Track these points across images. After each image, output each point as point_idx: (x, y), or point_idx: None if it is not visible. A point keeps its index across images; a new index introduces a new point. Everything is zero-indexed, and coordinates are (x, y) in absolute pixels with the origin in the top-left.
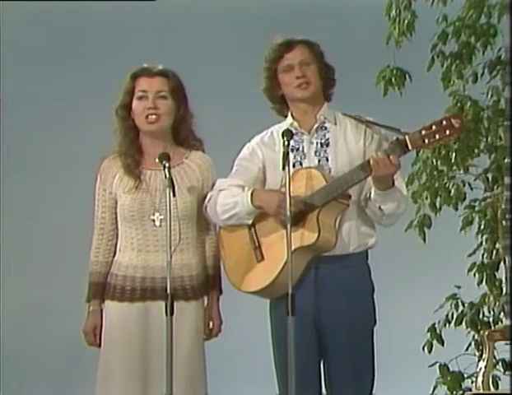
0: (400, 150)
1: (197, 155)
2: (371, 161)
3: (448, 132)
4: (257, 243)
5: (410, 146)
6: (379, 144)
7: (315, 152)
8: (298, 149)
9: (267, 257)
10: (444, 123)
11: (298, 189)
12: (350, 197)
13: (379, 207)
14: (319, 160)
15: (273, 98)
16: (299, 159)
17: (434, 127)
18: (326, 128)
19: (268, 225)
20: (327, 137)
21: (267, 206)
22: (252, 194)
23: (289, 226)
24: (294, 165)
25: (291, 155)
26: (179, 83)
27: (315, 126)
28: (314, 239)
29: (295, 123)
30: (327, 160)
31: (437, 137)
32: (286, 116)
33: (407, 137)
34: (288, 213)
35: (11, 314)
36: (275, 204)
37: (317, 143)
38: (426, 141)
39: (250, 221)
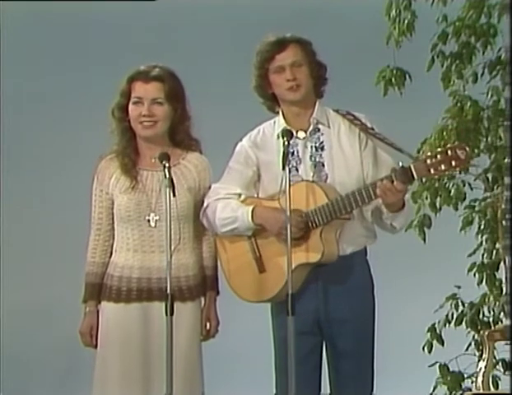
0: (405, 178)
1: (194, 155)
2: (378, 191)
3: (454, 163)
4: (258, 254)
5: (415, 176)
6: (375, 151)
7: (310, 157)
8: (293, 153)
9: (268, 270)
10: (449, 153)
11: (298, 203)
12: (351, 211)
13: (391, 224)
14: (315, 165)
15: (264, 96)
16: (294, 164)
17: (439, 157)
18: (319, 130)
19: (269, 237)
20: (321, 140)
21: (269, 225)
22: (253, 211)
23: (288, 226)
24: (290, 170)
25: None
26: (175, 86)
27: (309, 130)
28: (319, 258)
29: (288, 127)
30: (323, 165)
31: (443, 167)
32: (277, 112)
33: (412, 167)
34: (288, 213)
35: (11, 314)
36: (278, 226)
37: (311, 147)
38: (432, 170)
39: (250, 233)
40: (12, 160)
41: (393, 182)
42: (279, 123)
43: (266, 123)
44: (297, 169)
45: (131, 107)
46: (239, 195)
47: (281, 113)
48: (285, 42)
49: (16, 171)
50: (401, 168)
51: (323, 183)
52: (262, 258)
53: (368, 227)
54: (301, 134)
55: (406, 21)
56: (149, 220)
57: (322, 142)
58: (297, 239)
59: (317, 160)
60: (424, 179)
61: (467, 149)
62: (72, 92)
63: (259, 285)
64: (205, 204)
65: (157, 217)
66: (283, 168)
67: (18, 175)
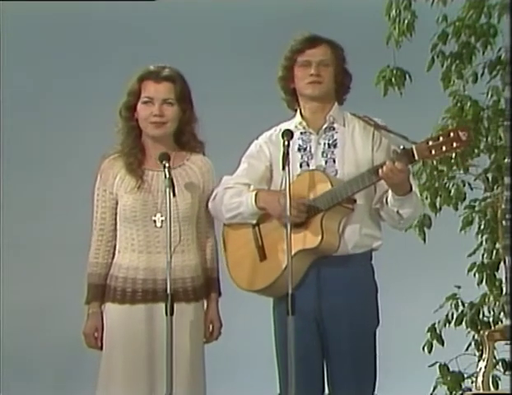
0: (407, 159)
1: (198, 157)
2: (380, 172)
3: (455, 144)
4: (260, 242)
5: (417, 157)
6: (388, 151)
7: (322, 153)
8: (305, 149)
9: (269, 257)
10: (452, 135)
11: (303, 191)
12: (355, 201)
13: (397, 212)
14: (326, 162)
15: (286, 89)
16: (306, 159)
17: (441, 139)
18: (334, 129)
19: (272, 225)
20: (335, 137)
21: (271, 208)
22: (256, 195)
23: (288, 225)
24: (301, 165)
25: (299, 155)
26: (185, 87)
27: (324, 126)
28: (317, 243)
29: (304, 123)
30: (334, 161)
31: (444, 148)
32: (295, 110)
33: (414, 148)
34: (288, 213)
35: (11, 314)
36: (280, 208)
37: (324, 144)
38: (433, 152)
39: (254, 221)
40: (13, 161)
41: (394, 163)
42: (296, 122)
43: (284, 123)
44: (308, 165)
45: (140, 106)
46: (249, 186)
47: (298, 110)
48: (318, 40)
49: (17, 171)
50: (402, 149)
51: (330, 173)
52: (264, 246)
53: (374, 226)
54: (316, 131)
55: (406, 21)
56: (155, 221)
57: (335, 140)
58: (299, 225)
59: (328, 156)
60: (424, 179)
61: (470, 131)
62: (72, 92)
63: (259, 273)
64: (213, 194)
65: (163, 218)
66: (283, 168)
67: (19, 175)
